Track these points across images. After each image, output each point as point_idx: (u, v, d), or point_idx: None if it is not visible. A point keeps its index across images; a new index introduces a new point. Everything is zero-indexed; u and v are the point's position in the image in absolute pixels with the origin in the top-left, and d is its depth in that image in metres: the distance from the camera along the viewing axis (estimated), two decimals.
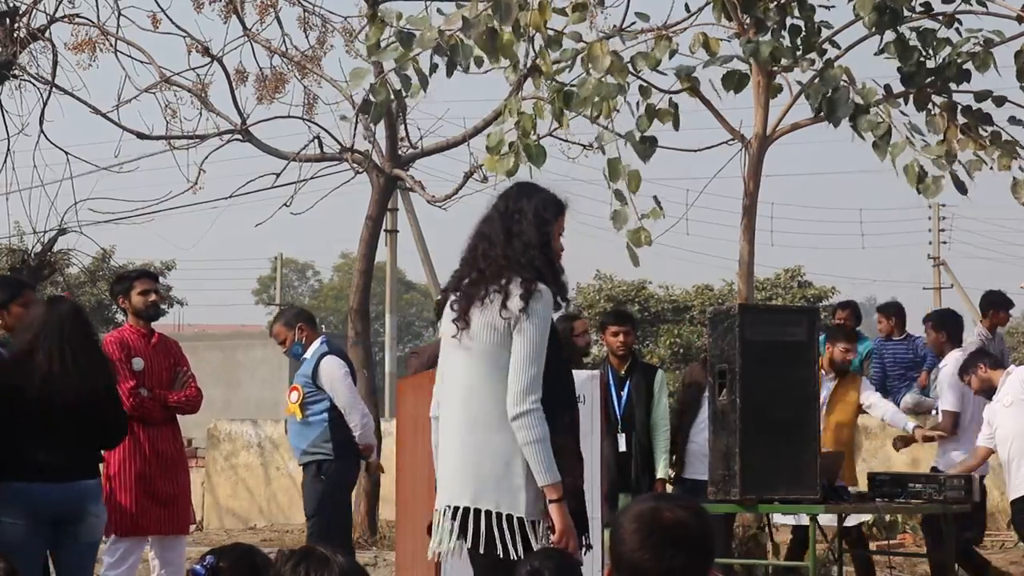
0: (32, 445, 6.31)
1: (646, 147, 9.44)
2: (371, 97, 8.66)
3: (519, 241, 4.83)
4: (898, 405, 13.20)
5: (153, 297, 8.09)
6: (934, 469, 9.48)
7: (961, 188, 9.12)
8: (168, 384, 8.01)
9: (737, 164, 10.26)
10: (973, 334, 13.39)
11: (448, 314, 4.90)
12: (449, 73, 8.68)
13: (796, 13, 9.65)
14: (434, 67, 8.68)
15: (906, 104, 9.86)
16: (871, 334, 15.39)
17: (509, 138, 8.81)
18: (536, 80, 9.33)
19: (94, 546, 6.74)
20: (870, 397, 9.57)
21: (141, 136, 13.86)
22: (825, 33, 9.78)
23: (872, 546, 11.26)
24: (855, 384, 9.58)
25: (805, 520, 8.53)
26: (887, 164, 9.14)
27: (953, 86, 9.72)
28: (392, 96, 8.83)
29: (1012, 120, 9.63)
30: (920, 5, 9.69)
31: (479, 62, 8.83)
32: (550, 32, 9.08)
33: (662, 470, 9.22)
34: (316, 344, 9.12)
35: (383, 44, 8.65)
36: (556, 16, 9.20)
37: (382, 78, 8.58)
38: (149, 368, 7.92)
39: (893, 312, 13.47)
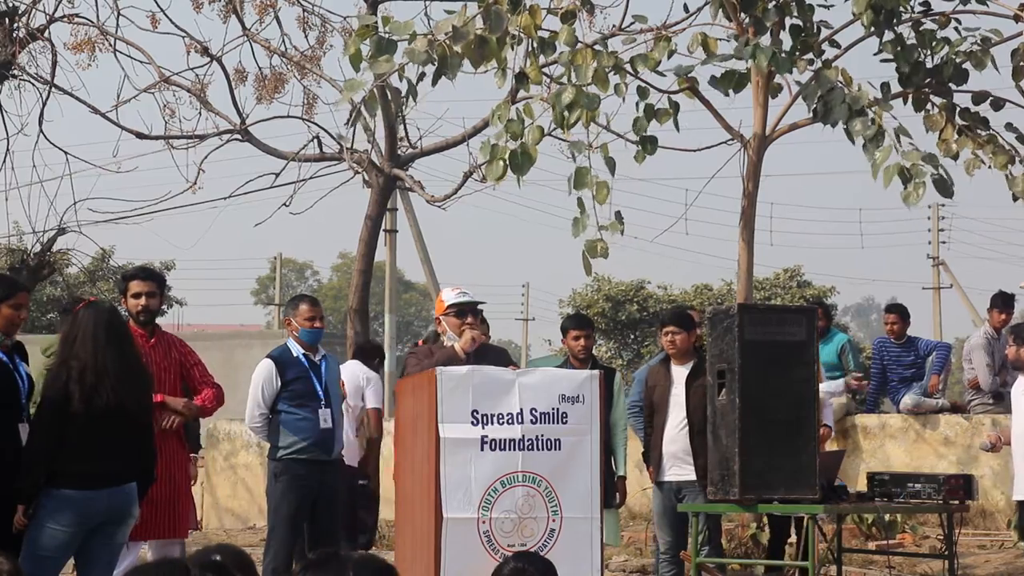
0: (79, 453, 6.35)
1: (647, 148, 9.43)
2: (362, 110, 8.61)
3: None
4: (898, 406, 13.27)
5: (144, 301, 7.94)
6: None
7: (945, 191, 8.99)
8: (165, 386, 7.96)
9: (736, 164, 10.28)
10: (978, 334, 13.40)
11: None
12: (434, 82, 8.64)
13: (795, 13, 9.64)
14: (421, 75, 8.64)
15: (905, 104, 9.86)
16: (874, 333, 15.39)
17: (503, 144, 8.72)
18: (525, 86, 9.29)
19: (123, 545, 6.81)
20: None
21: (140, 136, 13.86)
22: (824, 33, 9.79)
23: (872, 545, 11.27)
24: None
25: None
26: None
27: (952, 86, 9.72)
28: (379, 107, 8.76)
29: (1008, 127, 9.63)
30: (919, 4, 9.71)
31: (475, 64, 8.78)
32: (543, 35, 9.05)
33: (622, 468, 9.31)
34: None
35: (365, 53, 8.57)
36: (551, 17, 9.19)
37: (371, 92, 8.55)
38: None
39: (900, 313, 13.45)
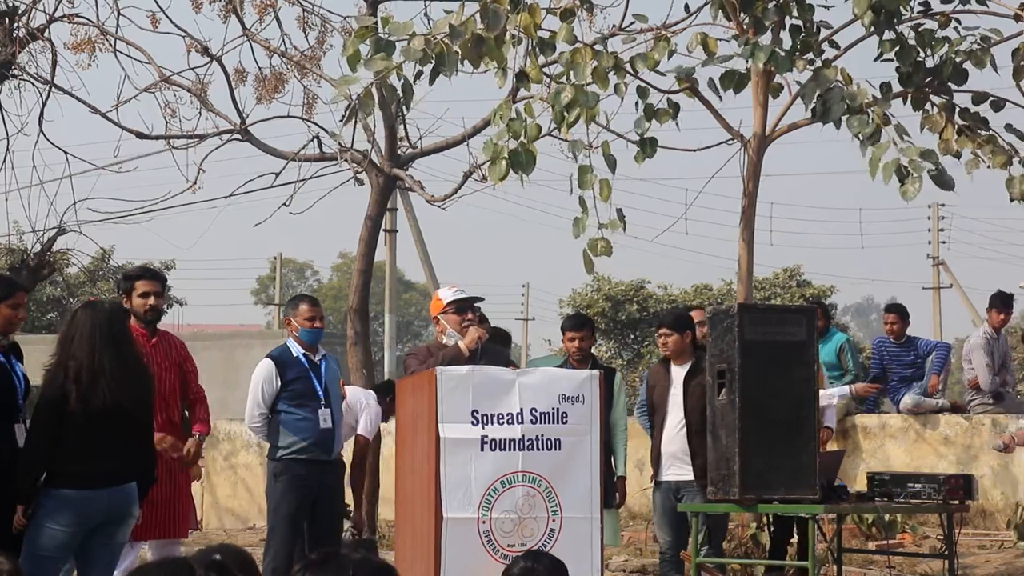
0: (77, 453, 6.36)
1: (646, 150, 9.41)
2: (358, 107, 8.58)
3: None
4: (898, 406, 13.28)
5: (152, 301, 8.02)
6: None
7: (945, 184, 8.95)
8: (165, 385, 7.96)
9: (736, 164, 10.28)
10: (977, 334, 13.41)
11: None
12: (432, 80, 8.62)
13: (795, 13, 9.64)
14: (419, 74, 8.63)
15: (905, 103, 9.86)
16: (874, 333, 15.43)
17: (504, 144, 8.69)
18: (525, 85, 9.28)
19: (123, 545, 6.81)
20: None
21: (140, 136, 13.83)
22: (824, 33, 9.78)
23: (872, 545, 11.28)
24: None
25: None
26: None
27: (952, 86, 9.71)
28: (377, 105, 8.71)
29: (1008, 128, 9.62)
30: (919, 4, 9.70)
31: (473, 63, 8.76)
32: (542, 35, 9.03)
33: (622, 468, 9.33)
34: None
35: (364, 54, 8.53)
36: (551, 17, 9.17)
37: (367, 89, 8.53)
38: None
39: (899, 313, 13.46)
